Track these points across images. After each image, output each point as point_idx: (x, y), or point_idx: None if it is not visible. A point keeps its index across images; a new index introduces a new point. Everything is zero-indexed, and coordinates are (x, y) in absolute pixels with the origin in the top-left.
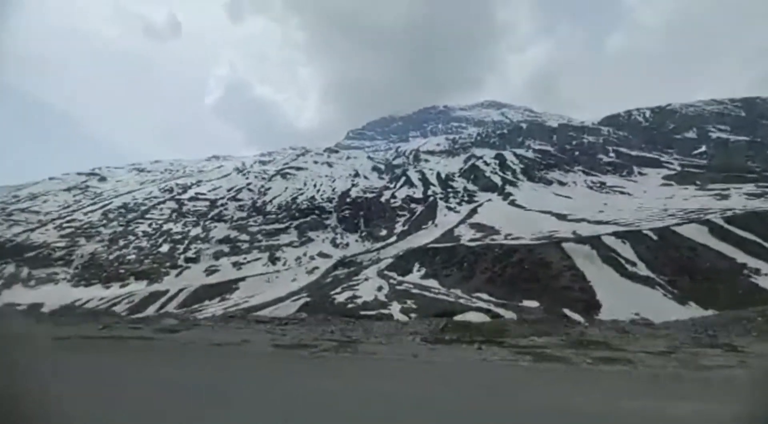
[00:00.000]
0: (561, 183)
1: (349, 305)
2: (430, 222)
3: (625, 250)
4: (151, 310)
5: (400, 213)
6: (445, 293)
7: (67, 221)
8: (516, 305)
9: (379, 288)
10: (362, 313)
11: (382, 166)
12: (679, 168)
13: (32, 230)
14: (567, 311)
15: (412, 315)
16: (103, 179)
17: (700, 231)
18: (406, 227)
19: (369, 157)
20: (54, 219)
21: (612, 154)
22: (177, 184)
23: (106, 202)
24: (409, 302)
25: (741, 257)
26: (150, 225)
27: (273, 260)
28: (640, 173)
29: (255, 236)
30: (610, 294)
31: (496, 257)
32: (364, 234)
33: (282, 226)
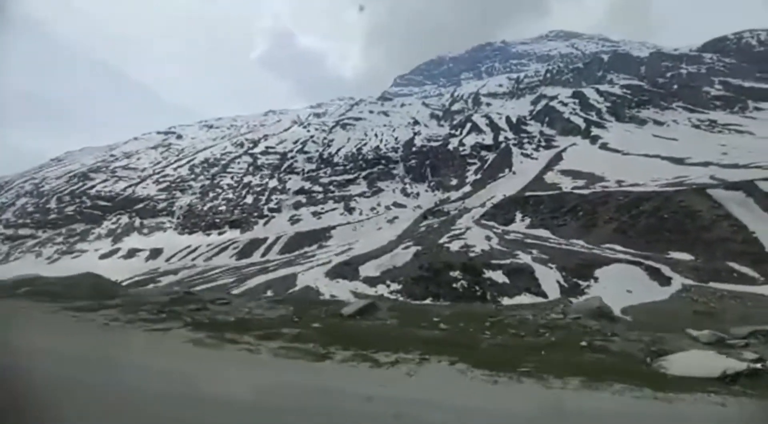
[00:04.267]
0: (657, 123)
1: (470, 254)
2: (507, 170)
3: None
4: (256, 256)
5: (470, 161)
6: (567, 244)
7: (162, 176)
8: (663, 257)
9: (487, 238)
10: (493, 262)
11: (440, 113)
12: None
13: (135, 185)
14: (733, 265)
15: (551, 265)
16: (180, 137)
17: None
18: (478, 176)
19: (424, 104)
20: (150, 175)
21: (719, 87)
22: (246, 139)
23: (190, 157)
24: (534, 251)
25: None
26: (232, 178)
27: (349, 209)
28: (756, 108)
29: (327, 187)
30: None
31: (622, 206)
32: (432, 184)
33: (351, 176)
